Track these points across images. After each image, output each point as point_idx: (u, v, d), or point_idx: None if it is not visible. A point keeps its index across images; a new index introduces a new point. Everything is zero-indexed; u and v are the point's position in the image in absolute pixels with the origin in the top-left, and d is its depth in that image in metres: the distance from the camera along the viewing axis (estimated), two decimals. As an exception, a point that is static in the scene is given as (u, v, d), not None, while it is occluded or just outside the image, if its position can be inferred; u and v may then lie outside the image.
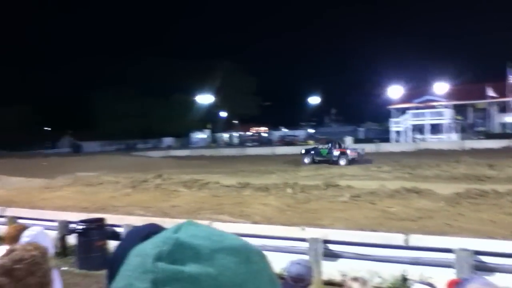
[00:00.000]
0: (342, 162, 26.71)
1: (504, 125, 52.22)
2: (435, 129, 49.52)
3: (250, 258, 0.67)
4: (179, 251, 0.62)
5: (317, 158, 28.18)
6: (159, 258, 0.61)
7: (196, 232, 0.68)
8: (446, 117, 49.79)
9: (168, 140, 74.66)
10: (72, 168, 28.94)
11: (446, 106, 51.09)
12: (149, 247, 0.67)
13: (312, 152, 28.98)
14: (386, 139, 51.23)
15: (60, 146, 75.53)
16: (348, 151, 27.83)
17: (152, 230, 1.07)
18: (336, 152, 27.54)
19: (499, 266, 5.58)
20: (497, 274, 5.50)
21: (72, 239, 8.97)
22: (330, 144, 28.66)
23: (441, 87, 53.55)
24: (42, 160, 38.47)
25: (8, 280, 1.54)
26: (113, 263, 1.05)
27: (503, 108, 52.52)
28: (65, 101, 77.14)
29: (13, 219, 10.04)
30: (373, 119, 66.41)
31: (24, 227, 3.72)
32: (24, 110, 72.74)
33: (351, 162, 26.60)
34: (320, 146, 29.30)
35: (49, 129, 78.54)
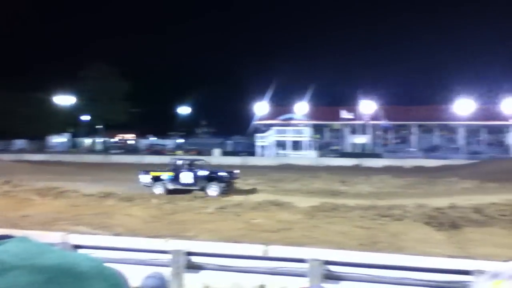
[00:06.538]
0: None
1: (354, 145, 58.28)
2: (296, 145, 53.10)
3: (59, 279, 0.65)
4: None
5: None
6: None
7: (14, 248, 0.66)
8: (306, 135, 53.81)
9: (20, 143, 67.35)
10: None
11: (306, 125, 55.53)
12: None
13: None
14: (252, 153, 53.32)
15: None
16: None
17: None
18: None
19: (346, 274, 6.12)
20: (344, 283, 6.04)
21: None
22: None
23: (302, 107, 58.34)
24: None
25: None
26: None
27: (354, 130, 58.73)
28: None
29: None
30: (241, 133, 68.62)
31: None
32: None
33: None
34: None
35: None
